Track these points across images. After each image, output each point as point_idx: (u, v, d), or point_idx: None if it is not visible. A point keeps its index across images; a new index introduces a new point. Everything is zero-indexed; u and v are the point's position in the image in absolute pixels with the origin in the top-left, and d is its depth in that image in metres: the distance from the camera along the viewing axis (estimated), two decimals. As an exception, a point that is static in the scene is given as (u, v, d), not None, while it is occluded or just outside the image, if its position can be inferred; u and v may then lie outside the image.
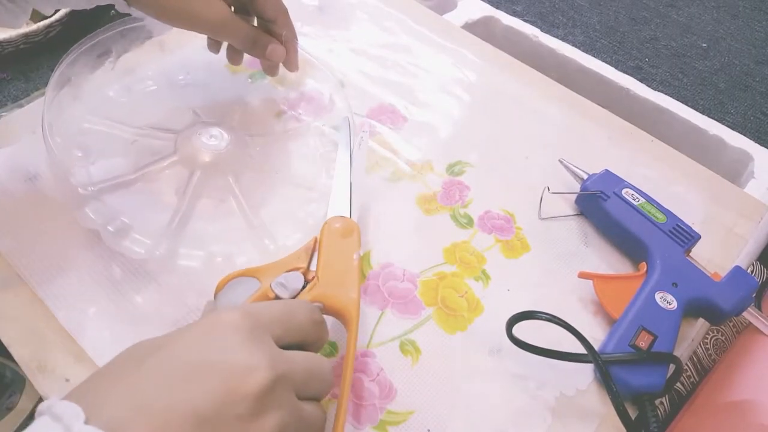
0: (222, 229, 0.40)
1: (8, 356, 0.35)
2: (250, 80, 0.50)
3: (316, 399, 0.27)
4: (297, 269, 0.33)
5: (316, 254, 0.35)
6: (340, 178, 0.40)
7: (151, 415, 0.20)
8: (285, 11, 0.45)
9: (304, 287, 0.33)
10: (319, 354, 0.29)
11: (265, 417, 0.23)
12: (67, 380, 0.33)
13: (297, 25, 0.56)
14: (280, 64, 0.46)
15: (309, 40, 0.55)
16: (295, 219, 0.40)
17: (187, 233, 0.39)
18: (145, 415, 0.20)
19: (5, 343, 0.35)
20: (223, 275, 0.33)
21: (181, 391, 0.21)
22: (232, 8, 0.42)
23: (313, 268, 0.34)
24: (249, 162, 0.43)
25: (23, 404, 0.43)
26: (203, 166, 0.42)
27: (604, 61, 0.61)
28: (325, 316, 0.31)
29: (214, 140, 0.43)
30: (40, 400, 0.36)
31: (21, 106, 0.46)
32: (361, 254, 0.35)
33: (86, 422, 0.20)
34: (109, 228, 0.37)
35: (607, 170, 0.43)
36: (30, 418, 0.40)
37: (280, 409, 0.23)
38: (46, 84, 0.45)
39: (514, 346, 0.34)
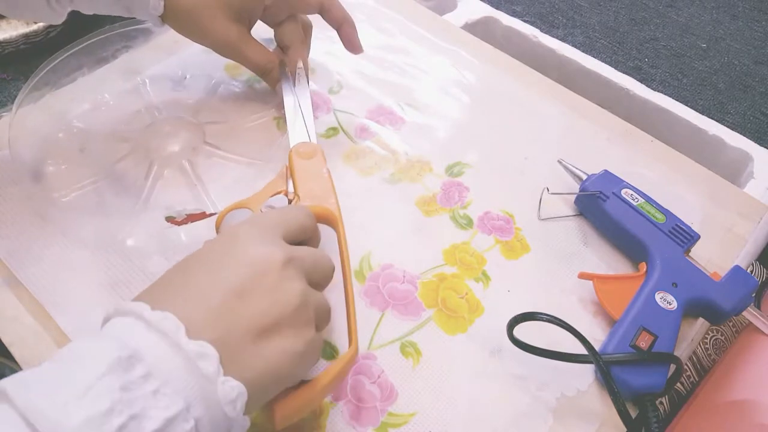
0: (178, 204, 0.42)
1: (8, 356, 0.35)
2: (246, 84, 0.51)
3: (321, 287, 0.31)
4: (279, 193, 0.37)
5: (290, 180, 0.38)
6: (291, 111, 0.43)
7: (196, 296, 0.25)
8: (300, 40, 0.47)
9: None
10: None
11: (290, 283, 0.27)
12: (68, 381, 0.33)
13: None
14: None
15: (308, 41, 0.55)
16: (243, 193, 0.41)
17: (148, 215, 0.41)
18: (192, 297, 0.25)
19: (5, 342, 0.35)
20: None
21: (217, 276, 0.26)
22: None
23: (291, 189, 0.37)
24: (203, 148, 0.45)
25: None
26: (160, 157, 0.44)
27: (603, 61, 0.61)
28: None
29: (170, 134, 0.45)
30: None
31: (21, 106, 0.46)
32: (329, 168, 0.39)
33: (152, 310, 0.24)
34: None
35: (606, 170, 0.43)
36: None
37: (300, 280, 0.28)
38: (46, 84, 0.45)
39: (515, 347, 0.34)
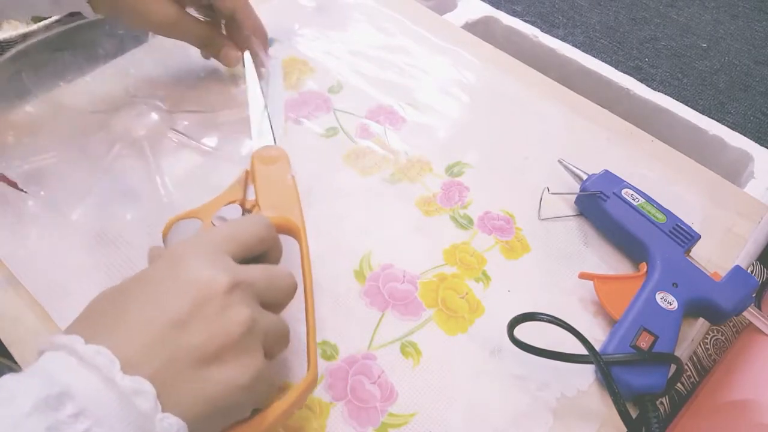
0: (130, 187, 0.42)
1: (8, 356, 0.35)
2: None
3: (279, 307, 0.30)
4: (233, 202, 0.35)
5: (251, 186, 0.36)
6: (255, 110, 0.41)
7: (133, 327, 0.24)
8: (244, 4, 0.46)
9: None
10: (278, 265, 0.32)
11: (234, 312, 0.26)
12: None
13: (294, 27, 0.56)
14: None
15: (307, 41, 0.55)
16: (200, 185, 0.41)
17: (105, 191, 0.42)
18: (128, 329, 0.24)
19: (5, 343, 0.35)
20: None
21: (154, 305, 0.25)
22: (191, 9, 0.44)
23: (250, 197, 0.36)
24: (167, 134, 0.45)
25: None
26: (123, 139, 0.44)
27: (604, 61, 0.61)
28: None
29: (139, 116, 0.45)
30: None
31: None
32: (294, 175, 0.37)
33: (86, 343, 0.22)
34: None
35: (606, 170, 0.43)
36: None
37: (246, 306, 0.26)
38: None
39: (515, 347, 0.34)
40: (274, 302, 0.29)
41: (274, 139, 0.39)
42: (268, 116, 0.41)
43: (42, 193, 0.41)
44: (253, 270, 0.28)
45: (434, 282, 0.39)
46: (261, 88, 0.43)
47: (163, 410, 0.22)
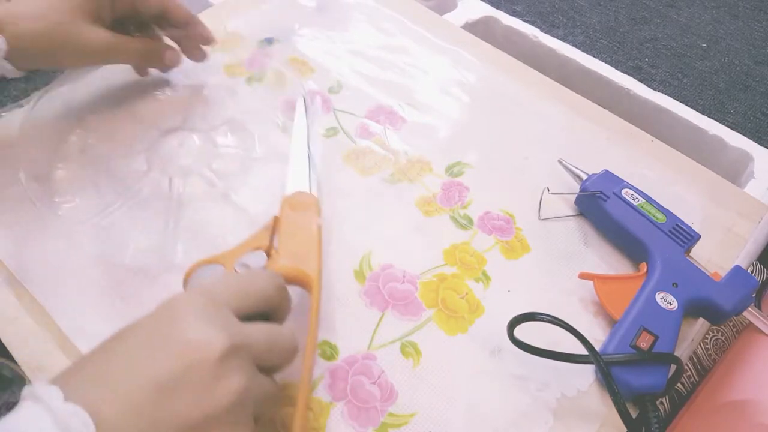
0: (143, 223, 0.40)
1: (8, 356, 0.35)
2: (246, 84, 0.50)
3: (277, 369, 0.28)
4: (259, 248, 0.34)
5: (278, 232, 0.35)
6: (296, 153, 0.40)
7: (115, 388, 0.23)
8: (185, 10, 0.44)
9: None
10: (282, 324, 0.30)
11: (227, 380, 0.24)
12: (68, 382, 0.33)
13: (294, 27, 0.56)
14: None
15: (307, 41, 0.55)
16: (208, 239, 0.39)
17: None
18: (111, 389, 0.22)
19: (5, 343, 0.35)
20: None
21: (141, 365, 0.23)
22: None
23: (276, 245, 0.35)
24: (202, 170, 0.43)
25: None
26: (161, 167, 0.43)
27: (604, 61, 0.61)
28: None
29: (182, 145, 0.44)
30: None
31: (21, 105, 0.47)
32: (321, 224, 0.36)
33: (65, 401, 0.21)
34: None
35: (606, 170, 0.43)
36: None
37: (241, 374, 0.24)
38: (46, 84, 0.45)
39: (515, 347, 0.34)
40: (271, 365, 0.28)
41: (310, 187, 0.38)
42: (309, 162, 0.40)
43: (56, 199, 0.41)
44: (255, 330, 0.27)
45: (434, 282, 0.39)
46: (307, 124, 0.42)
47: None
